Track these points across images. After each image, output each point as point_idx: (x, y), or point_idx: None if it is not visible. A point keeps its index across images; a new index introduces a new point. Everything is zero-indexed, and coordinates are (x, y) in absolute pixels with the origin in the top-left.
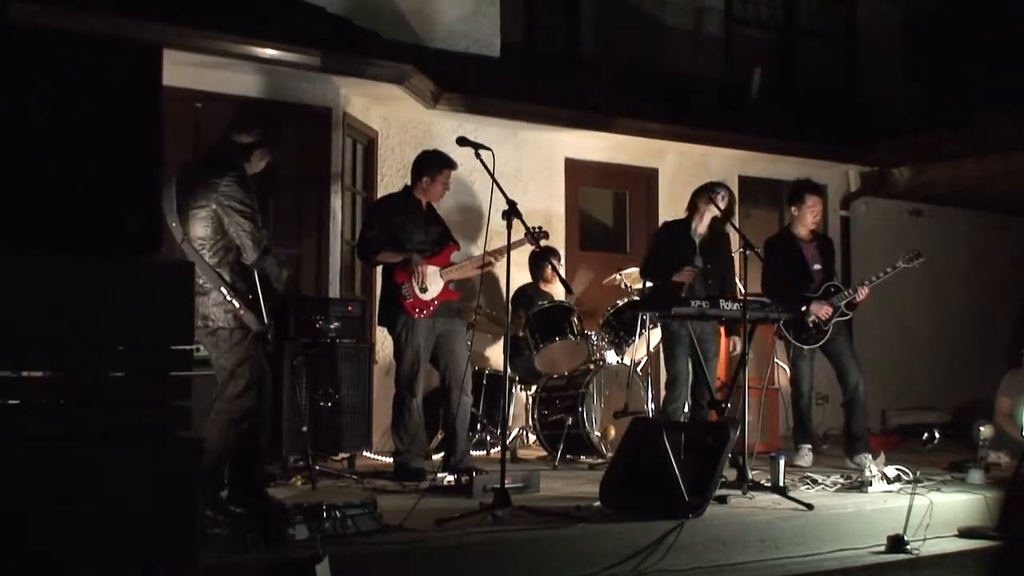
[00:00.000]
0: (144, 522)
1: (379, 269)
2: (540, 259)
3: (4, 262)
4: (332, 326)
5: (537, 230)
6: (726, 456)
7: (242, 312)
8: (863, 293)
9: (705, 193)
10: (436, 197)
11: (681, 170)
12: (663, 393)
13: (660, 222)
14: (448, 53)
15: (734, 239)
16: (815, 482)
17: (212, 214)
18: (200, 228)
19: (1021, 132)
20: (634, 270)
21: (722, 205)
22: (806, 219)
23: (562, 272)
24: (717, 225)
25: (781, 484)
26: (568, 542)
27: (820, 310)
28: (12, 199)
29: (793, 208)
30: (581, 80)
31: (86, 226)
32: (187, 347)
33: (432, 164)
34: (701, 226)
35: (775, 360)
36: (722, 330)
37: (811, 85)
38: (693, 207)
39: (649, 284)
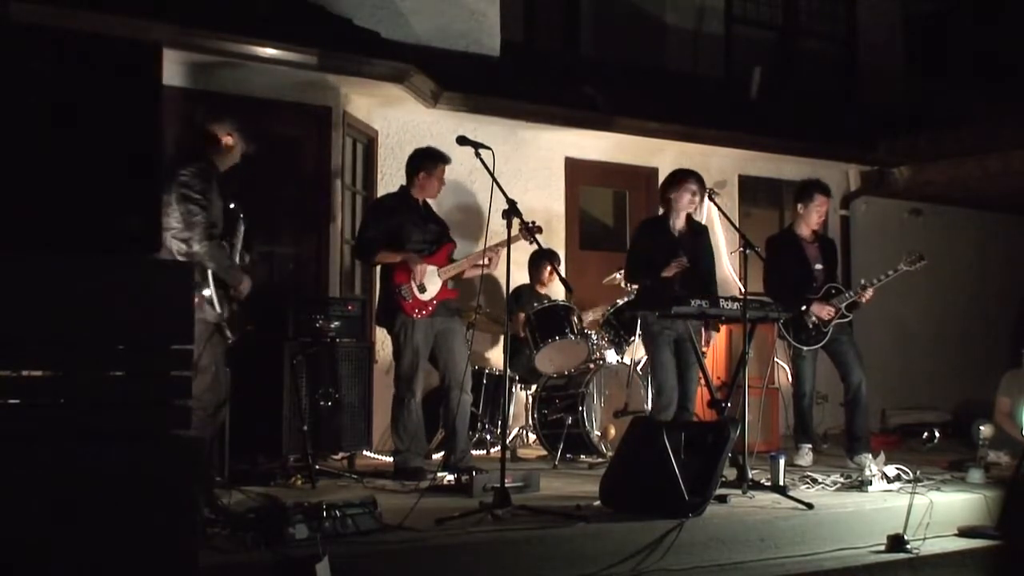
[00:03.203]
0: (144, 522)
1: (378, 269)
2: (539, 260)
3: (4, 262)
4: (332, 325)
5: (531, 225)
6: (726, 455)
7: (197, 301)
8: (865, 296)
9: (669, 185)
10: (433, 193)
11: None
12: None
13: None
14: (448, 53)
15: (715, 233)
16: (815, 481)
17: (175, 204)
18: (166, 219)
19: (1021, 132)
20: None
21: (696, 200)
22: (811, 218)
23: (562, 272)
24: (694, 221)
25: (781, 483)
26: (568, 542)
27: (821, 311)
28: (12, 199)
29: (799, 205)
30: (581, 79)
31: (86, 226)
32: (187, 347)
33: (427, 159)
34: (679, 221)
35: (775, 359)
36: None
37: (811, 85)
38: (667, 203)
39: (636, 285)
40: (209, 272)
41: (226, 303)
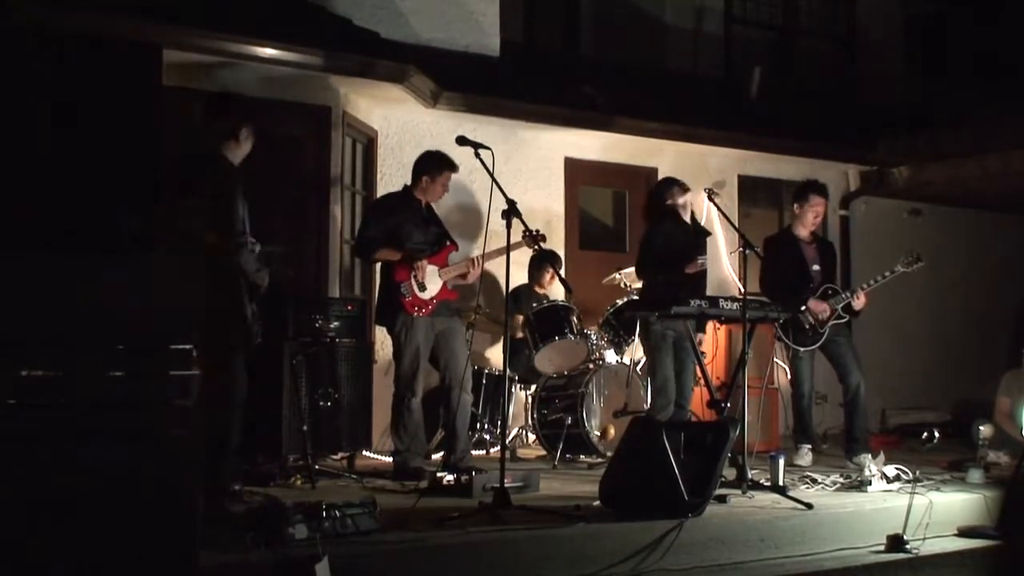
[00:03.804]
0: (144, 522)
1: (379, 268)
2: (540, 262)
3: (4, 262)
4: (332, 326)
5: (535, 233)
6: (726, 455)
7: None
8: (861, 298)
9: (666, 189)
10: (435, 198)
11: (680, 169)
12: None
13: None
14: (448, 53)
15: (714, 233)
16: (815, 481)
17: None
18: (185, 223)
19: (1021, 132)
20: (632, 270)
21: (681, 200)
22: (807, 218)
23: (562, 273)
24: (698, 223)
25: (781, 483)
26: (568, 542)
27: (818, 308)
28: (12, 199)
29: (796, 206)
30: (581, 79)
31: (86, 226)
32: (187, 347)
33: (433, 164)
34: (685, 216)
35: (775, 359)
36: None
37: (811, 85)
38: (666, 203)
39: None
40: (241, 278)
41: (253, 306)
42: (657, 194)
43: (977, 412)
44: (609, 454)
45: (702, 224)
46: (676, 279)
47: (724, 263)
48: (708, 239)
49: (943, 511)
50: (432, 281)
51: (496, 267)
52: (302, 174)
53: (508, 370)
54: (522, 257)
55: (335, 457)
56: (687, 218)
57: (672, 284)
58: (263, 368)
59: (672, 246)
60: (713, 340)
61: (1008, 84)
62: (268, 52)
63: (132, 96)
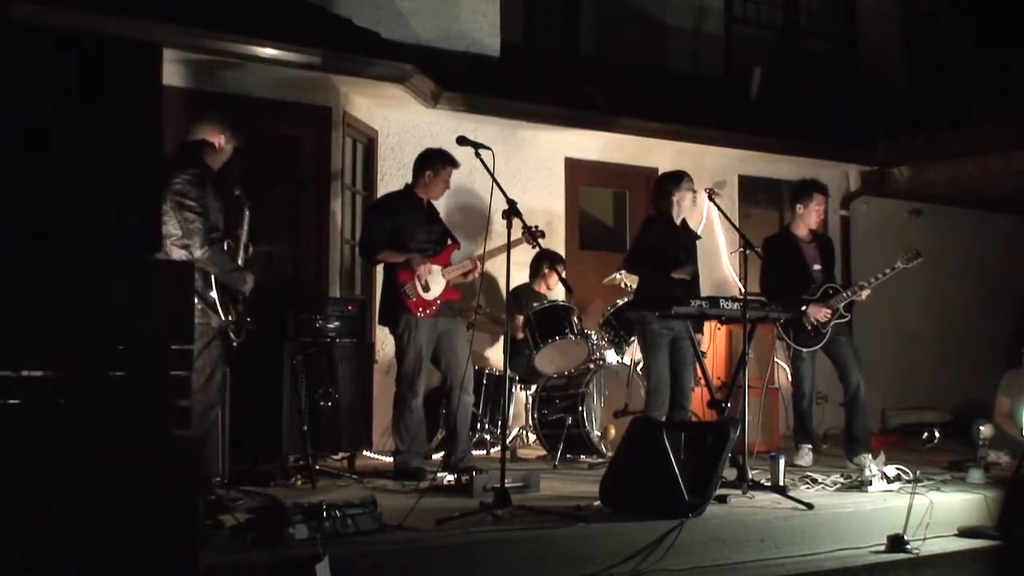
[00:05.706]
0: (144, 522)
1: (379, 268)
2: (541, 261)
3: (4, 262)
4: (332, 326)
5: (534, 229)
6: (726, 456)
7: (199, 308)
8: (864, 295)
9: (673, 185)
10: (437, 194)
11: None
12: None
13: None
14: (448, 53)
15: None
16: (815, 481)
17: (172, 211)
18: (165, 227)
19: (1021, 132)
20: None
21: (693, 198)
22: (810, 218)
23: (562, 273)
24: (689, 227)
25: (781, 484)
26: (568, 542)
27: (819, 313)
28: (12, 199)
29: (798, 206)
30: (581, 79)
31: (86, 226)
32: (187, 347)
33: (436, 159)
34: (678, 219)
35: (776, 359)
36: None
37: (811, 85)
38: (668, 201)
39: (635, 278)
40: (212, 277)
41: (231, 306)
42: (662, 185)
43: (977, 412)
44: (610, 454)
45: (702, 224)
46: (663, 279)
47: (724, 263)
48: (709, 239)
49: (943, 511)
50: (436, 281)
51: (497, 267)
52: (302, 174)
53: (508, 370)
54: (523, 257)
55: (335, 457)
56: (679, 219)
57: (665, 283)
58: (263, 368)
59: (662, 247)
60: (712, 340)
61: (1008, 84)
62: (269, 52)
63: (132, 96)
